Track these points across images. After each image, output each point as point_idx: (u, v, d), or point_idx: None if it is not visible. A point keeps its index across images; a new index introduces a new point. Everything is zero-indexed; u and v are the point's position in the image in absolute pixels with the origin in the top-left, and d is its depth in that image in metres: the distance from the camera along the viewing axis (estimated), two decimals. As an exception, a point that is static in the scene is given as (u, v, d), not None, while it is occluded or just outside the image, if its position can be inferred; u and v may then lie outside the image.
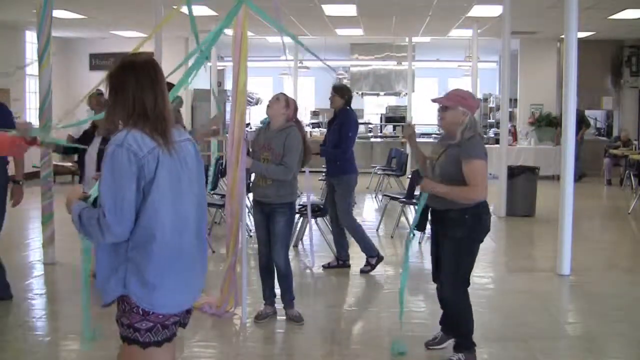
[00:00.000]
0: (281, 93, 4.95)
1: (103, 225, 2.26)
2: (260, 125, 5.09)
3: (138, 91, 2.32)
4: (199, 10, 10.95)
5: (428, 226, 4.24)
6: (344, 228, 6.54)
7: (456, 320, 4.09)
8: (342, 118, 6.32)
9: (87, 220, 2.31)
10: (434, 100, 4.11)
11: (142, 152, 2.27)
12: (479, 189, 3.77)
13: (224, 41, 6.05)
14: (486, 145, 13.84)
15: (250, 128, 15.97)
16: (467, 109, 3.87)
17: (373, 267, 6.38)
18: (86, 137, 5.78)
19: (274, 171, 4.70)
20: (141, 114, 2.31)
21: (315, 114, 19.99)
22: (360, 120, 18.86)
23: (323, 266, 6.59)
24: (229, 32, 4.75)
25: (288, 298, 4.97)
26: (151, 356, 2.39)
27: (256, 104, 18.58)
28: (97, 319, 4.77)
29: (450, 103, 3.93)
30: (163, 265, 2.34)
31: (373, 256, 6.40)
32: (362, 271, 6.40)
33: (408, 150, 14.92)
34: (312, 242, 7.28)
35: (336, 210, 6.40)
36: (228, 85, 15.52)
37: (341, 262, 6.57)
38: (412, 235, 4.14)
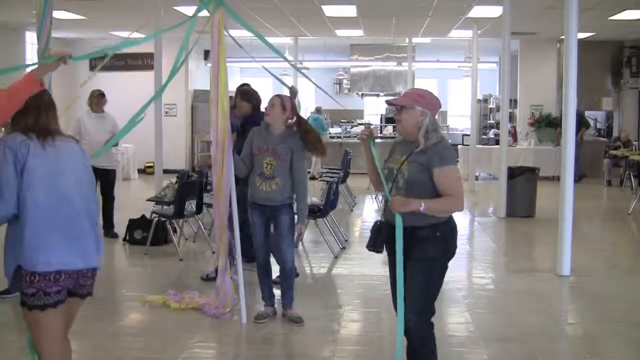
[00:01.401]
0: (275, 96, 4.84)
1: None
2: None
3: (24, 114, 3.02)
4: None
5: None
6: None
7: (418, 353, 3.46)
8: (248, 124, 5.81)
9: None
10: (388, 102, 3.55)
11: (15, 143, 2.88)
12: (460, 197, 3.31)
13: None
14: (486, 146, 13.83)
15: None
16: (425, 108, 3.36)
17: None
18: None
19: (305, 200, 4.82)
20: (23, 127, 2.99)
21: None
22: (360, 121, 19.00)
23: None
24: (234, 33, 4.76)
25: (289, 297, 4.96)
26: (35, 317, 2.89)
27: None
28: (98, 319, 4.77)
29: (405, 102, 3.41)
30: (38, 230, 2.85)
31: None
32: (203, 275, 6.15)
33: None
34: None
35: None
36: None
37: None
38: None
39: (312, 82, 5.47)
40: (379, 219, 3.50)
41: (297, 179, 4.74)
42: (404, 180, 3.35)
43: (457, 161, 3.23)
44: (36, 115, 3.03)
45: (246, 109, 6.10)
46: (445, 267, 3.44)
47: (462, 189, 3.35)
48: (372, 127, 3.82)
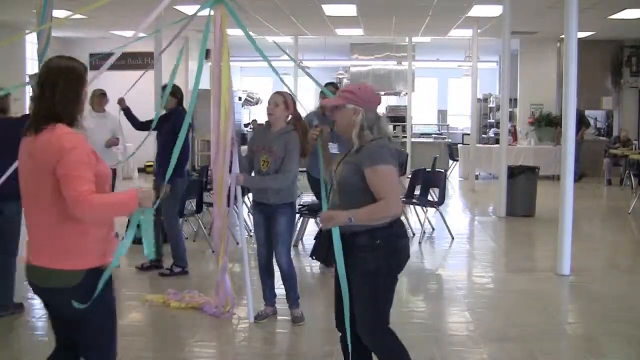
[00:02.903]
0: (277, 95, 4.83)
1: None
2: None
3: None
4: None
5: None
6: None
7: None
8: (176, 118, 5.97)
9: None
10: (323, 103, 3.42)
11: None
12: (392, 199, 3.04)
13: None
14: (486, 146, 13.80)
15: (252, 128, 15.98)
16: (358, 104, 3.15)
17: (172, 273, 6.24)
18: None
19: (272, 182, 4.67)
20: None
21: (315, 114, 19.99)
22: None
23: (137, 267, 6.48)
24: (231, 32, 4.73)
25: (293, 298, 4.93)
26: None
27: (256, 103, 18.61)
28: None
29: (335, 102, 3.24)
30: None
31: (179, 266, 6.27)
32: (161, 274, 6.29)
33: (408, 149, 14.92)
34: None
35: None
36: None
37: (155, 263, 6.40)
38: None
39: (314, 80, 5.25)
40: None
41: (283, 168, 4.65)
42: (337, 183, 3.19)
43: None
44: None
45: (172, 103, 6.26)
46: (392, 279, 3.16)
47: (394, 190, 3.08)
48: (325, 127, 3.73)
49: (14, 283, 5.08)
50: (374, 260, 3.08)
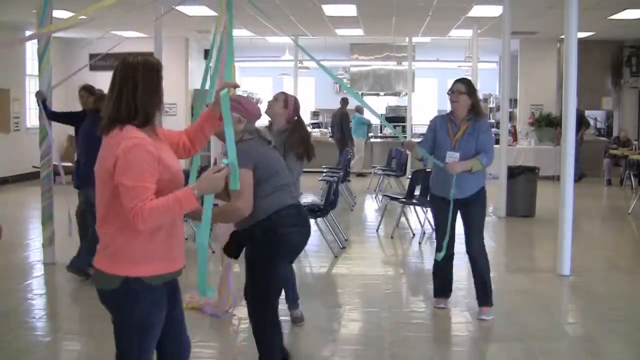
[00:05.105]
0: (281, 92, 4.85)
1: None
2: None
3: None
4: (199, 10, 10.94)
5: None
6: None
7: (256, 339, 3.60)
8: (93, 119, 5.60)
9: None
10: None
11: None
12: (239, 200, 3.28)
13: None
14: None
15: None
16: (242, 115, 3.55)
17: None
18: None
19: None
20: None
21: (315, 114, 19.99)
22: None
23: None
24: (235, 32, 4.74)
25: (292, 298, 4.92)
26: None
27: (256, 103, 18.63)
28: (99, 318, 4.77)
29: None
30: None
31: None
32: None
33: (408, 150, 14.93)
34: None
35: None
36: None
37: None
38: None
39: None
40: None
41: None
42: None
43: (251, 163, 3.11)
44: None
45: (90, 103, 6.19)
46: (273, 265, 3.45)
47: (243, 192, 3.21)
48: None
49: None
50: (251, 248, 3.49)
